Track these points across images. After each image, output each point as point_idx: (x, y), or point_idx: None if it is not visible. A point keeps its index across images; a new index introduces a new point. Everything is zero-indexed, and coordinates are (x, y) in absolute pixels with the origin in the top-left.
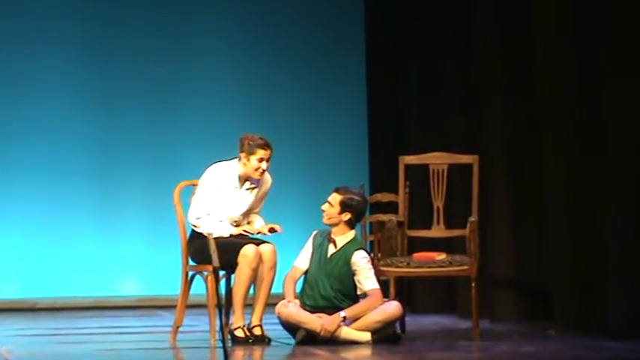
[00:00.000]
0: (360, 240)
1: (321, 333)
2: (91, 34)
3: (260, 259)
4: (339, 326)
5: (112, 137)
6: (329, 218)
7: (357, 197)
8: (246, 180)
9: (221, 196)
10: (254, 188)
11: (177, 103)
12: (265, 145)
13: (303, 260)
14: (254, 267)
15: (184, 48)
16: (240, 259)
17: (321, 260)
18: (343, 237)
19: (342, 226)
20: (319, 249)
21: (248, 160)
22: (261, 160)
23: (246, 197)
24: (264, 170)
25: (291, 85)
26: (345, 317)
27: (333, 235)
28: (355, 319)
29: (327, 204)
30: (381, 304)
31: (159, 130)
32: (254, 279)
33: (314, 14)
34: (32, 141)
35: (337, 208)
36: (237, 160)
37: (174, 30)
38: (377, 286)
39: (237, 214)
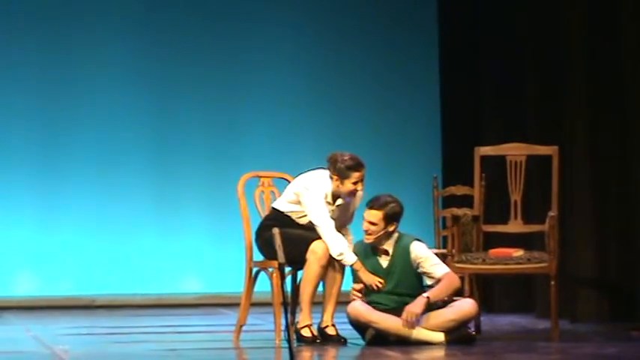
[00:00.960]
0: (404, 232)
1: (407, 317)
2: (153, 30)
3: (331, 256)
4: (424, 307)
5: (171, 130)
6: (376, 237)
7: (392, 203)
8: (338, 197)
9: None
10: (347, 204)
11: (239, 95)
12: (359, 166)
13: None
14: (323, 264)
15: (247, 45)
16: (310, 255)
17: (379, 275)
18: (390, 242)
19: (388, 235)
20: (367, 262)
21: (342, 183)
22: (356, 182)
23: (339, 213)
24: (359, 191)
25: (360, 77)
26: (428, 297)
27: (382, 247)
28: (437, 301)
29: (367, 224)
30: (459, 283)
31: (220, 121)
32: (323, 276)
33: (385, 5)
34: (91, 136)
35: (381, 224)
36: (328, 175)
37: (238, 29)
38: (448, 269)
39: None
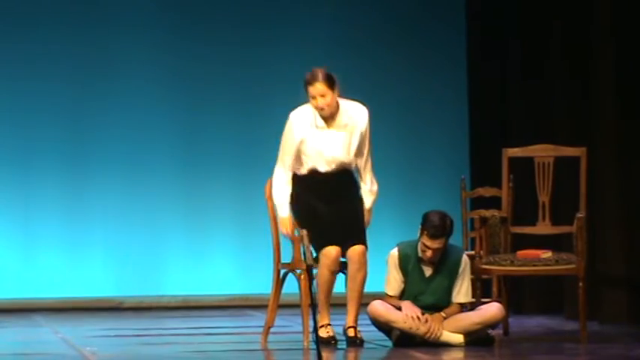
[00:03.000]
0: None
1: (427, 337)
2: (183, 33)
3: (350, 259)
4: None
5: (200, 134)
6: (437, 256)
7: (450, 223)
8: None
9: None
10: (345, 126)
11: (267, 98)
12: (311, 80)
13: (393, 287)
14: (333, 270)
15: (276, 50)
16: (321, 257)
17: (419, 285)
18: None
19: None
20: (410, 268)
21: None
22: (314, 97)
23: (331, 140)
24: (322, 107)
25: (388, 80)
26: (444, 317)
27: (433, 260)
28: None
29: (432, 252)
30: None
31: (247, 123)
32: (333, 280)
33: (413, 4)
34: (120, 139)
35: (444, 246)
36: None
37: (266, 33)
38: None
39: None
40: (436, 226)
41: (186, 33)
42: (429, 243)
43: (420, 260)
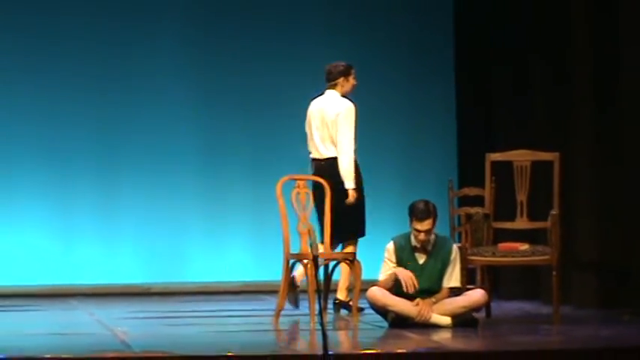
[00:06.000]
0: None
1: (417, 319)
2: (202, 42)
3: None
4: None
5: (218, 137)
6: (429, 238)
7: (433, 206)
8: None
9: None
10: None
11: (279, 104)
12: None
13: (388, 284)
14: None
15: (279, 53)
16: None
17: (414, 269)
18: (430, 241)
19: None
20: (404, 256)
21: (347, 80)
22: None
23: None
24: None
25: (383, 90)
26: (434, 302)
27: (425, 246)
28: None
29: (423, 234)
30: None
31: (262, 127)
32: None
33: (403, 15)
34: (147, 142)
35: (433, 227)
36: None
37: (277, 42)
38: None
39: None
40: (421, 209)
41: (203, 46)
42: (418, 226)
43: (413, 249)
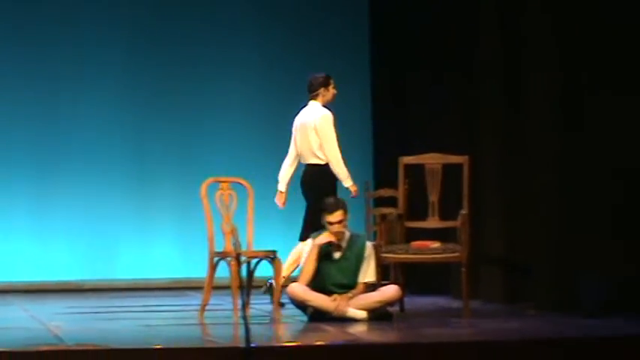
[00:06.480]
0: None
1: (335, 313)
2: (134, 48)
3: None
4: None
5: (148, 140)
6: (343, 231)
7: (340, 198)
8: None
9: None
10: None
11: (205, 109)
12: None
13: (307, 273)
14: None
15: (210, 57)
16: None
17: (329, 266)
18: (345, 237)
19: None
20: (325, 256)
21: (327, 90)
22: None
23: None
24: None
25: (299, 92)
26: (350, 297)
27: (339, 242)
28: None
29: (337, 225)
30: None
31: (188, 131)
32: None
33: (319, 20)
34: (81, 143)
35: (345, 217)
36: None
37: (202, 40)
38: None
39: None
40: (330, 203)
41: (137, 46)
42: (330, 218)
43: (330, 246)
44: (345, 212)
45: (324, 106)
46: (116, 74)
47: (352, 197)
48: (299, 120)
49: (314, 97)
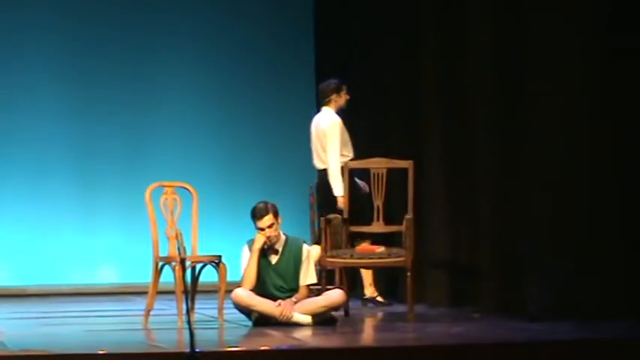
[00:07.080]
0: (288, 234)
1: (280, 318)
2: (75, 50)
3: None
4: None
5: (93, 144)
6: (276, 235)
7: (268, 203)
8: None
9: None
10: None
11: (150, 114)
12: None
13: (250, 278)
14: None
15: (153, 61)
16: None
17: (268, 270)
18: (280, 242)
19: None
20: (262, 261)
21: (339, 96)
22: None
23: None
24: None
25: (243, 93)
26: (295, 302)
27: (276, 247)
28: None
29: (267, 230)
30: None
31: (133, 136)
32: None
33: (264, 24)
34: (24, 147)
35: (275, 221)
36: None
37: (144, 44)
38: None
39: None
40: (259, 208)
41: (84, 49)
42: (260, 224)
43: (267, 251)
44: (276, 216)
45: (337, 111)
46: (59, 77)
47: (338, 208)
48: (313, 126)
49: (327, 104)
